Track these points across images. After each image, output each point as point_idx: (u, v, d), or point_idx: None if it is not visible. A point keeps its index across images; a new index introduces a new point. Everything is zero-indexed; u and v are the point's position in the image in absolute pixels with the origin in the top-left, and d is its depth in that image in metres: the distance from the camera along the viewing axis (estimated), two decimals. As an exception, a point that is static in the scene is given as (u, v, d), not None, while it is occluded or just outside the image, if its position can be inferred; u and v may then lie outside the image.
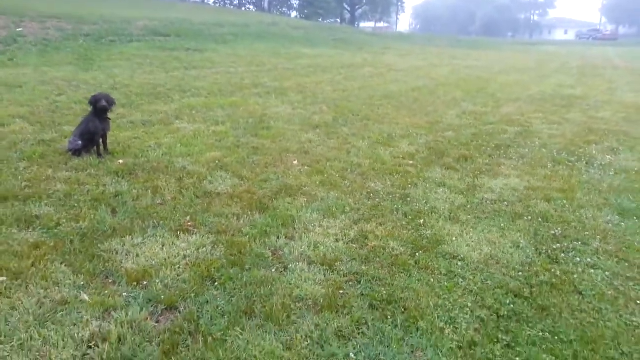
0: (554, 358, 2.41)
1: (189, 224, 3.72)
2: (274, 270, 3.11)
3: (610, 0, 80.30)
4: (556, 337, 2.56)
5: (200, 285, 2.88)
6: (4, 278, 2.82)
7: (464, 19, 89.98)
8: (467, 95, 10.88)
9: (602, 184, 5.05)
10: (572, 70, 18.68)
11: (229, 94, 9.53)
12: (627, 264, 3.39)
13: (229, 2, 61.65)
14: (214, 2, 60.28)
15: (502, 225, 3.94)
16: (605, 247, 3.64)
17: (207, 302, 2.73)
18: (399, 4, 72.12)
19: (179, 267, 3.08)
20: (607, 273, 3.25)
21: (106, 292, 2.77)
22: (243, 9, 59.11)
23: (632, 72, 18.69)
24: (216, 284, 2.91)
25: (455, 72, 16.03)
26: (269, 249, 3.38)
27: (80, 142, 5.07)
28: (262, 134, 6.50)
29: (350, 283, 3.00)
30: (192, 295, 2.78)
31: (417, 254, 3.38)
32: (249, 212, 3.96)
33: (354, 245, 3.49)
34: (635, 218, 4.18)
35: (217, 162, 5.21)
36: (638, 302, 2.93)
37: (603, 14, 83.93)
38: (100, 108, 5.11)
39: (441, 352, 2.42)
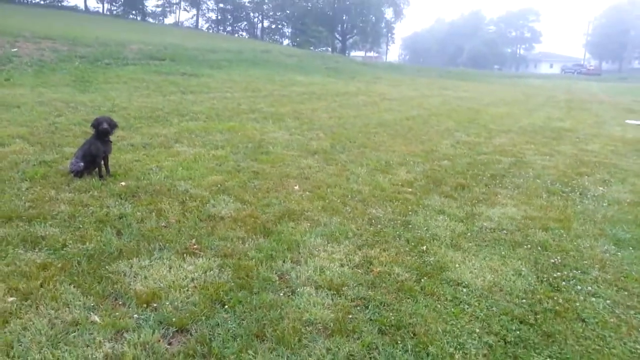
0: (562, 384, 2.45)
1: (195, 247, 3.74)
2: (281, 294, 3.14)
3: (594, 37, 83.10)
4: (563, 364, 2.61)
5: (210, 308, 2.89)
6: (14, 298, 2.81)
7: (452, 51, 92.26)
8: (460, 125, 11.13)
9: (596, 215, 5.18)
10: (560, 103, 19.21)
11: (227, 118, 9.64)
12: (626, 293, 3.47)
13: (221, 28, 62.61)
14: (207, 28, 61.16)
15: (503, 253, 4.02)
16: (604, 275, 3.72)
17: (218, 324, 2.74)
18: (389, 34, 73.87)
19: (187, 290, 3.09)
20: (607, 301, 3.33)
21: (116, 313, 2.76)
22: (236, 35, 60.05)
23: (616, 107, 19.28)
24: (226, 307, 2.93)
25: (447, 103, 16.39)
26: (276, 273, 3.41)
27: (82, 164, 5.10)
28: (262, 158, 6.58)
29: (358, 308, 3.04)
30: (203, 317, 2.79)
31: (422, 280, 3.43)
32: (254, 236, 4.00)
33: (359, 271, 3.54)
34: (630, 248, 4.28)
35: (218, 185, 5.25)
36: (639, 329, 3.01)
37: (587, 50, 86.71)
38: (102, 131, 5.16)
39: (452, 377, 2.46)
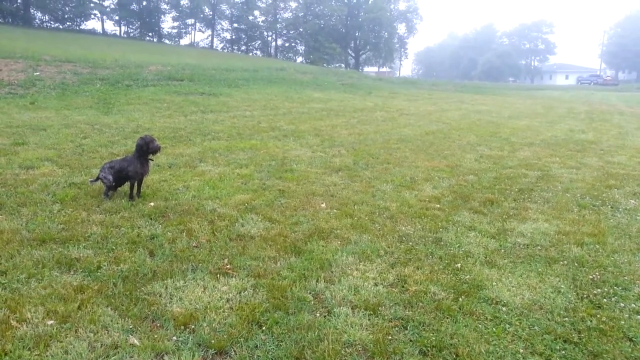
0: (616, 408, 2.36)
1: (228, 267, 3.73)
2: (317, 314, 3.10)
3: (609, 47, 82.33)
4: (616, 386, 2.51)
5: (247, 330, 2.86)
6: (53, 321, 2.82)
7: (466, 65, 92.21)
8: (481, 139, 11.03)
9: (631, 229, 5.05)
10: (580, 115, 18.96)
11: (248, 137, 9.71)
12: (671, 311, 3.35)
13: (236, 47, 63.61)
14: (222, 48, 62.19)
15: (539, 269, 3.92)
16: (646, 292, 3.61)
17: (257, 346, 2.71)
18: (402, 50, 74.20)
19: (223, 311, 3.07)
20: (655, 320, 3.21)
21: (155, 335, 2.75)
22: (250, 54, 60.93)
23: (639, 117, 18.95)
24: (263, 328, 2.90)
25: (466, 117, 16.30)
26: (310, 293, 3.38)
27: (111, 178, 5.13)
28: (286, 176, 6.59)
29: (397, 328, 2.98)
30: (241, 339, 2.76)
31: (459, 299, 3.36)
32: (285, 255, 3.98)
33: (394, 290, 3.48)
34: (670, 263, 4.15)
35: (246, 204, 5.26)
36: (690, 350, 2.89)
37: (603, 60, 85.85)
38: (154, 148, 5.19)
39: (500, 401, 2.38)
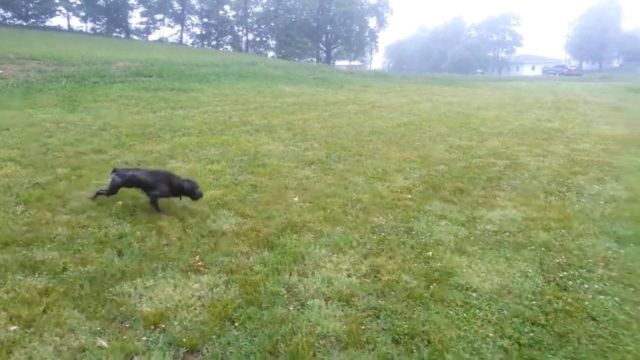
0: (582, 386, 2.43)
1: (199, 264, 3.68)
2: (291, 307, 3.09)
3: (574, 38, 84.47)
4: (580, 364, 2.59)
5: (220, 326, 2.84)
6: (16, 327, 2.73)
7: (436, 57, 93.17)
8: (452, 130, 11.18)
9: (594, 213, 5.21)
10: (547, 104, 19.41)
11: (219, 132, 9.58)
12: (632, 289, 3.48)
13: (206, 42, 62.62)
14: (192, 44, 61.15)
15: (508, 255, 4.01)
16: (609, 273, 3.73)
17: (230, 343, 2.69)
18: (373, 43, 74.44)
19: (194, 309, 3.03)
20: (616, 299, 3.33)
21: (124, 337, 2.70)
22: (221, 49, 60.06)
23: (602, 106, 19.53)
24: (236, 324, 2.88)
25: (437, 108, 16.48)
26: (283, 287, 3.36)
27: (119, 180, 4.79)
28: (258, 171, 6.54)
29: (370, 318, 3.00)
30: (214, 336, 2.74)
31: (431, 287, 3.40)
32: (258, 250, 3.95)
33: (367, 280, 3.50)
34: (632, 245, 4.30)
35: (217, 200, 5.20)
36: (650, 326, 2.99)
37: (567, 51, 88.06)
38: (198, 196, 4.87)
39: (471, 384, 2.43)
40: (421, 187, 6.08)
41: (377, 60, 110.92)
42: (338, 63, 71.44)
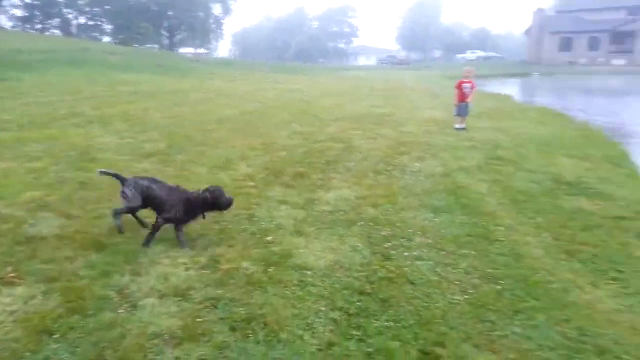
0: (399, 342, 2.73)
1: (11, 275, 3.25)
2: (121, 310, 2.91)
3: (403, 30, 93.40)
4: (399, 324, 2.91)
5: (35, 341, 2.55)
6: None
7: (280, 47, 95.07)
8: (294, 116, 11.55)
9: (416, 188, 5.86)
10: (380, 92, 21.17)
11: (43, 125, 8.51)
12: (444, 253, 3.99)
13: (29, 26, 54.58)
14: (13, 27, 52.79)
15: (341, 232, 4.31)
16: (425, 240, 4.24)
17: (47, 358, 2.43)
18: (218, 30, 72.78)
19: (4, 326, 2.68)
20: (430, 262, 3.79)
21: None
22: (47, 33, 52.92)
23: (425, 92, 21.99)
24: (55, 336, 2.61)
25: (281, 96, 16.86)
26: (113, 289, 3.15)
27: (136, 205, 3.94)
28: (89, 166, 5.97)
29: (207, 309, 2.97)
30: (28, 353, 2.45)
31: (269, 270, 3.50)
32: (84, 253, 3.62)
33: (206, 271, 3.46)
34: (444, 214, 4.93)
35: (37, 202, 4.63)
36: (456, 282, 3.48)
37: (399, 42, 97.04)
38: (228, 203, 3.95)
39: (303, 357, 2.57)
40: (263, 174, 6.18)
41: (223, 48, 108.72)
42: (183, 50, 68.28)
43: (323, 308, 3.03)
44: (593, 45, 57.61)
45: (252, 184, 5.73)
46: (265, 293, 3.19)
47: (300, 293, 3.20)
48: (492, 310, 3.10)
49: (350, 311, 3.03)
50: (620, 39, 55.68)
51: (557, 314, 3.10)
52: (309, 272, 3.49)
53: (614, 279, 3.67)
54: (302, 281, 3.37)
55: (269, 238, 4.09)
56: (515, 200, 5.47)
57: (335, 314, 2.98)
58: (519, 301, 3.25)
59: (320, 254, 3.83)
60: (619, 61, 53.99)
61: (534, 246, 4.22)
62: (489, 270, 3.67)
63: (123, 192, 3.94)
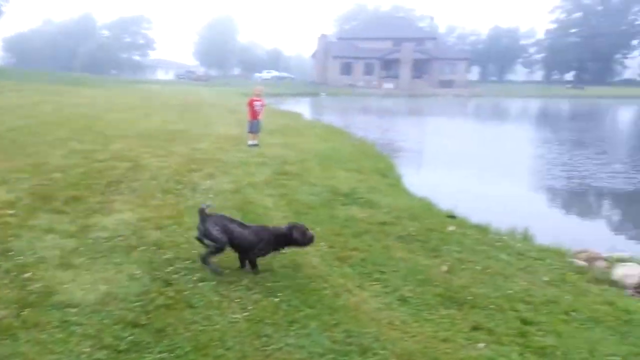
0: (172, 373, 2.62)
1: None
2: None
3: (201, 46, 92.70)
4: (173, 354, 2.76)
5: None
6: None
7: (66, 55, 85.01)
8: (74, 133, 10.39)
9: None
10: (175, 107, 20.56)
11: None
12: (227, 271, 3.97)
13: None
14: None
15: (118, 260, 3.98)
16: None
17: None
18: (-20, 32, 61.19)
19: None
20: (212, 282, 3.72)
21: None
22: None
23: (222, 109, 22.18)
24: None
25: (59, 110, 14.99)
26: None
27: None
28: None
29: None
30: None
31: (22, 313, 3.01)
32: None
33: None
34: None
35: None
36: (237, 300, 3.48)
37: (197, 58, 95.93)
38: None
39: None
40: (28, 200, 5.38)
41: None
42: None
43: (87, 349, 2.73)
44: (368, 70, 66.30)
45: (11, 212, 4.92)
46: (17, 341, 2.73)
47: (61, 335, 2.83)
48: (269, 324, 3.18)
49: (120, 348, 2.79)
50: (388, 65, 65.45)
51: (328, 319, 3.30)
52: (73, 310, 3.12)
53: (377, 279, 4.09)
54: (65, 321, 2.99)
55: (26, 275, 3.54)
56: (298, 212, 5.85)
57: (102, 354, 2.71)
58: (295, 311, 3.39)
59: (90, 287, 3.47)
60: (388, 85, 63.29)
61: (312, 255, 4.51)
62: (269, 284, 3.78)
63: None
